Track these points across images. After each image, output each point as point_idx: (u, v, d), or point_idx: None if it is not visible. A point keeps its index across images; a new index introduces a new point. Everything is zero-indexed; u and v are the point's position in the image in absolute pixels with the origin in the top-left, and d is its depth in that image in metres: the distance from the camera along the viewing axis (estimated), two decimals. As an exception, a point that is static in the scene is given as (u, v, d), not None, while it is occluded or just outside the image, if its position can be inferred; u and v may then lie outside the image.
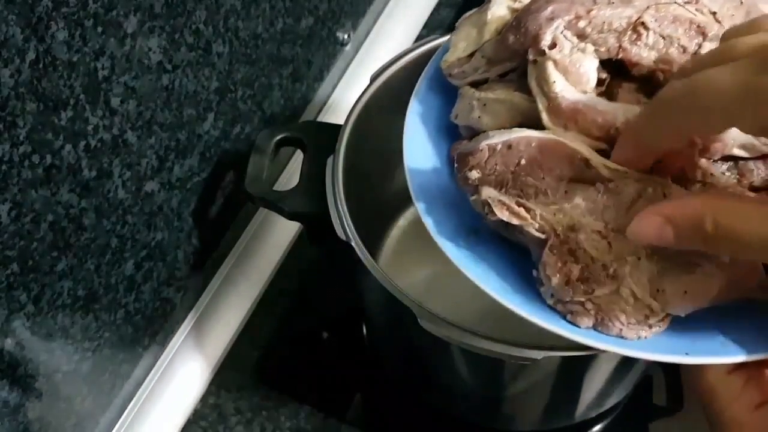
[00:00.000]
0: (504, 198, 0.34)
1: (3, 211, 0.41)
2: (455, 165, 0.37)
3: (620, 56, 0.37)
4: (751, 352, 0.32)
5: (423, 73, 0.46)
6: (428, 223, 0.38)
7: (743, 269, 0.32)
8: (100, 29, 0.44)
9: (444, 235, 0.38)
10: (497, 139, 0.35)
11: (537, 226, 0.34)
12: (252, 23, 0.60)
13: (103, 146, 0.48)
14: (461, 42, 0.42)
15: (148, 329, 0.60)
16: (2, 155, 0.40)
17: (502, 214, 0.34)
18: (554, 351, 0.43)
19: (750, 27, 0.30)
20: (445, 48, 0.44)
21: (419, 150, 0.42)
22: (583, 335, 0.34)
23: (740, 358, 0.32)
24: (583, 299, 0.33)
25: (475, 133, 0.41)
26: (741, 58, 0.27)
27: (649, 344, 0.33)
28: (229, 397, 0.62)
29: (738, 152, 0.36)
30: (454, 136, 0.43)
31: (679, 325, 0.34)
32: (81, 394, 0.55)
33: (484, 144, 0.35)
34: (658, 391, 0.60)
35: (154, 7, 0.48)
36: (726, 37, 0.31)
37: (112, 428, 0.60)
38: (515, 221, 0.34)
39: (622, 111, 0.35)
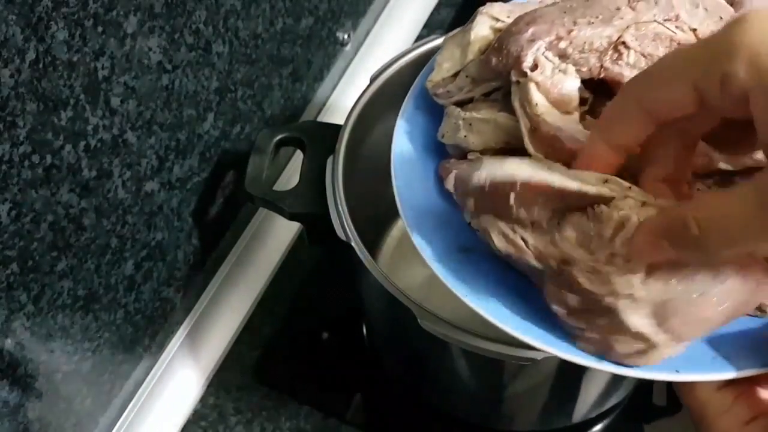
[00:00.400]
0: (503, 226, 0.34)
1: (3, 211, 0.41)
2: (454, 189, 0.37)
3: (602, 76, 0.37)
4: (741, 368, 0.32)
5: (409, 92, 0.46)
6: (417, 242, 0.38)
7: (749, 287, 0.31)
8: (100, 29, 0.44)
9: (434, 254, 0.38)
10: (484, 175, 0.35)
11: (533, 257, 0.33)
12: (252, 23, 0.60)
13: (103, 146, 0.48)
14: (446, 62, 0.43)
15: (148, 329, 0.60)
16: (2, 155, 0.40)
17: (500, 244, 0.34)
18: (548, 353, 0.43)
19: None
20: (430, 67, 0.44)
21: (407, 168, 0.43)
22: (575, 355, 0.34)
23: (730, 374, 0.32)
24: (584, 327, 0.33)
25: (462, 152, 0.41)
26: None
27: None
28: (229, 397, 0.62)
29: (723, 166, 0.36)
30: (441, 154, 0.43)
31: None
32: (81, 394, 0.55)
33: (475, 181, 0.35)
34: (658, 391, 0.60)
35: (154, 7, 0.48)
36: None
37: (112, 428, 0.60)
38: (512, 252, 0.34)
39: None
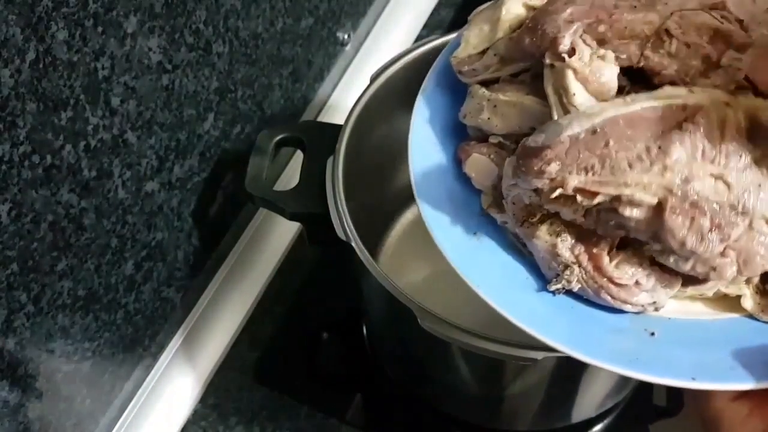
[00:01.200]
0: (592, 179, 0.32)
1: (3, 211, 0.41)
2: (519, 162, 0.34)
3: (641, 64, 0.35)
4: (760, 379, 0.32)
5: (432, 68, 0.44)
6: (431, 225, 0.37)
7: None
8: (100, 29, 0.44)
9: (447, 238, 0.37)
10: (578, 128, 0.32)
11: (650, 193, 0.31)
12: (252, 23, 0.60)
13: (103, 146, 0.48)
14: (473, 38, 0.40)
15: (148, 329, 0.60)
16: (2, 155, 0.40)
17: (598, 198, 0.32)
18: (554, 351, 0.43)
19: None
20: (456, 42, 0.42)
21: (425, 149, 0.41)
22: (585, 354, 0.33)
23: (748, 385, 0.32)
24: (721, 249, 0.32)
25: (484, 135, 0.39)
26: None
27: (655, 366, 0.33)
28: (229, 397, 0.62)
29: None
30: (461, 136, 0.41)
31: (688, 347, 0.34)
32: (81, 394, 0.55)
33: (564, 136, 0.32)
34: (658, 391, 0.60)
35: (154, 7, 0.48)
36: None
37: (112, 428, 0.60)
38: (620, 207, 0.32)
39: None
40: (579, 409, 0.57)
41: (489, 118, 0.39)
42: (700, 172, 0.31)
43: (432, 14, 0.89)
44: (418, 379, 0.60)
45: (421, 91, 0.43)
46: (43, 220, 0.45)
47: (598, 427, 0.60)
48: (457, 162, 0.40)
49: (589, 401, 0.56)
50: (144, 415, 0.61)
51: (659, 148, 0.31)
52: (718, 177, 0.31)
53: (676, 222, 0.31)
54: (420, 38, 0.86)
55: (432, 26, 0.88)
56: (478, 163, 0.39)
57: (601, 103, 0.33)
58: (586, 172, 0.32)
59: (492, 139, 0.39)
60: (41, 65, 0.40)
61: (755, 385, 0.32)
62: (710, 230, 0.31)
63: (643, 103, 0.32)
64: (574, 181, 0.32)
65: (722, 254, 0.32)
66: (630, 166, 0.31)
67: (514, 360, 0.42)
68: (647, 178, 0.31)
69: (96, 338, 0.54)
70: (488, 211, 0.38)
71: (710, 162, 0.30)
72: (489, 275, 0.36)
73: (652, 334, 0.35)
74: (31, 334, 0.47)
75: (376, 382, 0.63)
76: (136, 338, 0.59)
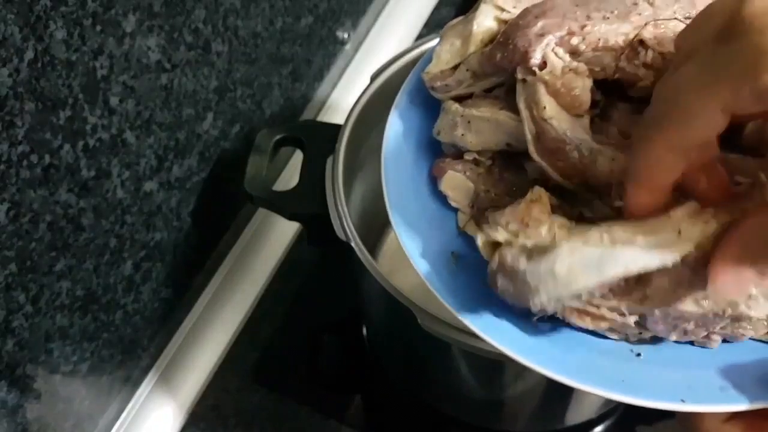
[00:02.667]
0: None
1: (1, 211, 0.41)
2: (502, 289, 0.33)
3: (616, 76, 0.34)
4: (753, 399, 0.31)
5: (404, 85, 0.43)
6: (406, 245, 0.37)
7: None
8: (98, 28, 0.44)
9: (423, 258, 0.36)
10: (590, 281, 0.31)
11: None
12: (251, 22, 0.60)
13: (102, 146, 0.47)
14: (445, 53, 0.39)
15: (147, 330, 0.60)
16: (1, 155, 0.40)
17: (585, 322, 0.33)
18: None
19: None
20: (428, 58, 0.41)
21: (399, 166, 0.40)
22: (569, 377, 0.32)
23: (741, 406, 0.31)
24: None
25: (459, 151, 0.39)
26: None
27: (642, 389, 0.32)
28: (228, 398, 0.62)
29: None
30: (436, 153, 0.40)
31: (675, 368, 0.33)
32: (80, 395, 0.54)
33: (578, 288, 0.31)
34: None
35: (153, 6, 0.48)
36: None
37: (111, 429, 0.60)
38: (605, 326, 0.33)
39: (604, 158, 0.33)
40: (579, 411, 0.57)
41: (463, 135, 0.38)
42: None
43: (432, 14, 0.89)
44: (418, 379, 0.60)
45: (393, 107, 0.42)
46: (42, 220, 0.44)
47: (599, 428, 0.60)
48: (432, 180, 0.39)
49: (589, 402, 0.55)
50: (143, 416, 0.61)
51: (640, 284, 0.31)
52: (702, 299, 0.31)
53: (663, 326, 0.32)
54: (420, 38, 0.86)
55: (432, 26, 0.87)
56: (454, 180, 0.38)
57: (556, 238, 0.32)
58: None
59: (467, 156, 0.39)
60: (40, 64, 0.40)
61: (748, 406, 0.31)
62: (695, 327, 0.32)
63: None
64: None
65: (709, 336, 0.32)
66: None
67: (513, 361, 0.42)
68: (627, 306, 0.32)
69: (95, 339, 0.54)
70: (465, 229, 0.37)
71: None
72: (468, 297, 0.35)
73: (638, 354, 0.34)
74: (30, 334, 0.47)
75: (376, 383, 0.63)
76: (135, 339, 0.59)
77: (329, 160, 0.51)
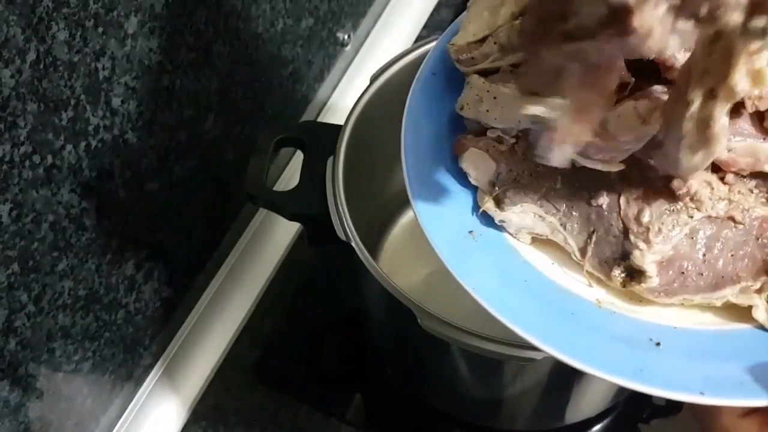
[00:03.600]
0: None
1: (4, 211, 0.41)
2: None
3: (653, 56, 0.32)
4: None
5: (428, 55, 0.41)
6: (424, 223, 0.36)
7: None
8: (100, 30, 0.44)
9: (441, 237, 0.35)
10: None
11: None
12: (252, 24, 0.60)
13: (104, 146, 0.48)
14: (472, 25, 0.37)
15: (148, 329, 0.60)
16: (3, 155, 0.40)
17: None
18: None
19: None
20: (454, 29, 0.39)
21: (419, 143, 0.39)
22: (585, 363, 0.31)
23: (761, 401, 0.30)
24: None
25: (482, 128, 0.38)
26: None
27: (661, 379, 0.31)
28: (229, 397, 0.62)
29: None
30: (458, 129, 0.39)
31: (695, 359, 0.32)
32: (82, 394, 0.55)
33: None
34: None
35: (154, 8, 0.48)
36: None
37: (113, 428, 0.60)
38: None
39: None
40: (578, 409, 0.57)
41: (488, 111, 0.36)
42: None
43: (432, 14, 0.89)
44: (418, 378, 0.60)
45: (416, 79, 0.41)
46: (44, 220, 0.45)
47: (598, 426, 0.60)
48: (453, 156, 0.38)
49: (588, 401, 0.56)
50: (145, 415, 0.61)
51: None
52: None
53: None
54: (420, 38, 0.86)
55: (432, 26, 0.88)
56: (475, 158, 0.37)
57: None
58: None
59: (490, 133, 0.37)
60: (42, 66, 0.41)
61: None
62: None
63: None
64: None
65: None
66: None
67: (513, 360, 0.42)
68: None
69: (97, 338, 0.54)
70: (485, 208, 0.37)
71: None
72: (485, 277, 0.34)
73: (658, 344, 0.33)
74: (32, 333, 0.47)
75: (376, 382, 0.63)
76: (136, 338, 0.59)
77: (329, 161, 0.51)
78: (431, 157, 0.39)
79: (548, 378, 0.50)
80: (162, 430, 0.61)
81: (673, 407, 0.60)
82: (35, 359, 0.48)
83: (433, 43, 0.55)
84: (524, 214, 0.37)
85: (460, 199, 0.37)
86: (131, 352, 0.59)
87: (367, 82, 0.56)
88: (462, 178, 0.38)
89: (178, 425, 0.61)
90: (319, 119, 0.78)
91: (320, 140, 0.55)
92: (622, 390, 0.57)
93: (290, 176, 0.73)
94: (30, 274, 0.45)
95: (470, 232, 0.36)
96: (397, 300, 0.45)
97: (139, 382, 0.62)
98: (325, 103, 0.79)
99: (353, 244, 0.47)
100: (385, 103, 0.55)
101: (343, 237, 0.48)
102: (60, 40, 0.41)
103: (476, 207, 0.38)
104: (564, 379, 0.50)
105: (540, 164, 0.35)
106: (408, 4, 0.88)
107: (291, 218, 0.54)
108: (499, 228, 0.37)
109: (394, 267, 0.65)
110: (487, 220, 0.37)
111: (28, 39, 0.39)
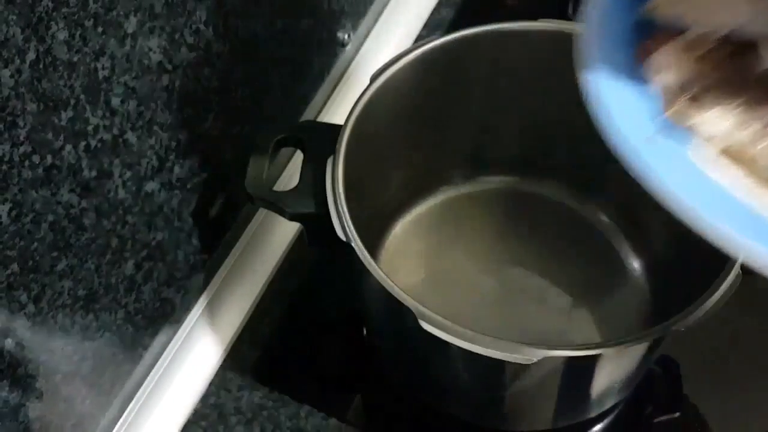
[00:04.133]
0: None
1: (3, 211, 0.41)
2: None
3: None
4: None
5: None
6: (610, 129, 0.32)
7: None
8: (100, 29, 0.44)
9: (625, 140, 0.32)
10: None
11: None
12: (252, 23, 0.60)
13: (104, 146, 0.48)
14: None
15: (148, 329, 0.60)
16: (2, 155, 0.40)
17: None
18: (554, 351, 0.43)
19: None
20: None
21: (598, 45, 0.35)
22: None
23: None
24: None
25: (674, 30, 0.34)
26: None
27: None
28: (229, 397, 0.62)
29: None
30: (644, 31, 0.35)
31: None
32: (81, 394, 0.55)
33: None
34: (658, 391, 0.61)
35: (154, 7, 0.48)
36: None
37: (113, 428, 0.60)
38: None
39: None
40: (578, 409, 0.57)
41: (688, 10, 0.33)
42: None
43: (432, 14, 0.89)
44: (418, 379, 0.60)
45: None
46: (44, 220, 0.45)
47: (598, 427, 0.60)
48: (637, 61, 0.35)
49: (588, 401, 0.56)
50: (145, 415, 0.61)
51: None
52: None
53: None
54: (420, 38, 0.86)
55: (432, 26, 0.88)
56: (665, 61, 0.34)
57: None
58: None
59: (687, 35, 0.34)
60: (41, 65, 0.40)
61: None
62: None
63: None
64: None
65: None
66: None
67: (513, 360, 0.42)
68: None
69: (96, 338, 0.54)
70: (675, 110, 0.33)
71: None
72: (670, 174, 0.31)
73: None
74: (32, 334, 0.47)
75: (376, 382, 0.63)
76: (136, 338, 0.59)
77: (329, 161, 0.51)
78: (611, 62, 0.35)
79: (548, 378, 0.50)
80: (163, 429, 0.61)
81: (673, 407, 0.60)
82: (34, 359, 0.48)
83: (434, 43, 0.55)
84: (721, 119, 0.33)
85: (640, 106, 0.34)
86: (131, 352, 0.59)
87: (367, 82, 0.56)
88: (644, 85, 0.35)
89: (179, 424, 0.61)
90: (319, 119, 0.78)
91: (320, 140, 0.55)
92: (623, 390, 0.57)
93: (290, 176, 0.73)
94: (29, 274, 0.45)
95: (649, 137, 0.33)
96: (397, 300, 0.45)
97: (139, 382, 0.62)
98: (324, 103, 0.79)
99: (353, 244, 0.47)
100: (385, 103, 0.56)
101: (343, 237, 0.48)
102: (59, 40, 0.41)
103: (658, 115, 0.34)
104: (564, 379, 0.50)
105: (739, 74, 0.33)
106: (408, 4, 0.88)
107: (291, 218, 0.54)
108: (680, 140, 0.34)
109: (394, 267, 0.65)
110: (668, 129, 0.34)
111: (28, 39, 0.39)
